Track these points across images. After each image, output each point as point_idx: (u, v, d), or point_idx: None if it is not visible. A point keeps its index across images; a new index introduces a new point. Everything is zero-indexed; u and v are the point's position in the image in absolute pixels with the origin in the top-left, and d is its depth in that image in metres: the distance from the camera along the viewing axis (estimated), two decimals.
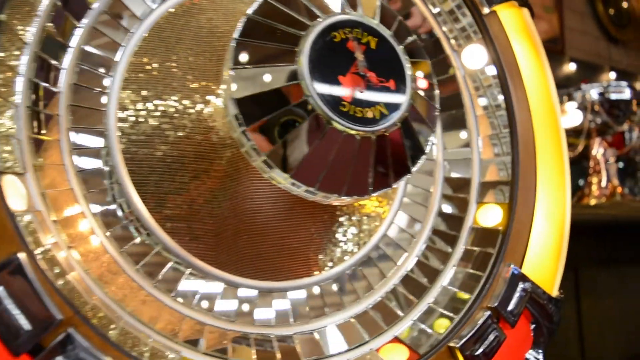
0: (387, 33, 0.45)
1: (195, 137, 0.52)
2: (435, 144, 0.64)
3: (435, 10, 0.65)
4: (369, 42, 0.44)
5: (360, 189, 0.44)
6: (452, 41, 0.65)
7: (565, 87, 4.82)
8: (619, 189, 2.11)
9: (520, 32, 0.67)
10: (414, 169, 0.46)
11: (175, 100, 0.53)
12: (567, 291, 1.74)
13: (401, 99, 0.44)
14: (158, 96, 0.52)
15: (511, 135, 0.62)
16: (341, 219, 0.59)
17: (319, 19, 0.43)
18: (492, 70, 0.63)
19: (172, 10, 0.55)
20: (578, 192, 2.28)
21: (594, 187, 2.16)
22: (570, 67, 4.86)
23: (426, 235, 0.62)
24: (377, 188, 0.45)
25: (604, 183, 2.14)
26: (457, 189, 0.64)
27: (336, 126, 0.41)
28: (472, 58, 0.65)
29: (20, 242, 0.37)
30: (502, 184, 0.62)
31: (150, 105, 0.52)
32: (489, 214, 0.62)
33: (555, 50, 4.83)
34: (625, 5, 5.62)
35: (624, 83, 2.19)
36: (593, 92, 2.19)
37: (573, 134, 2.32)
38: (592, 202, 2.15)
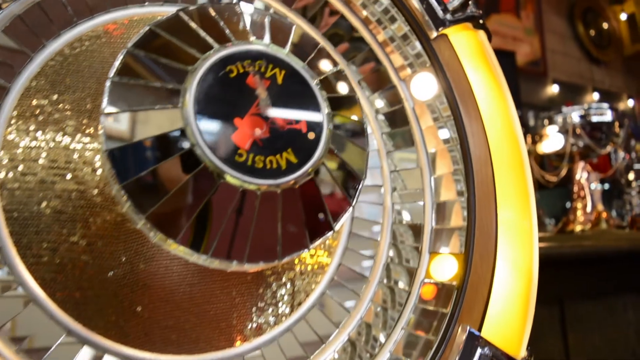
0: (298, 65, 0.37)
1: (89, 191, 0.44)
2: (381, 185, 0.56)
3: (380, 37, 0.58)
4: (275, 76, 0.36)
5: (266, 253, 0.36)
6: (401, 69, 0.58)
7: (549, 109, 4.81)
8: (604, 214, 2.04)
9: (476, 57, 0.60)
10: (336, 226, 0.38)
11: (65, 148, 0.45)
12: (553, 324, 1.66)
13: (315, 142, 0.37)
14: (47, 142, 0.45)
15: (466, 174, 0.54)
16: (270, 278, 0.51)
17: (212, 50, 0.35)
18: (443, 101, 0.56)
19: (69, 46, 0.48)
20: (563, 217, 2.21)
21: (579, 213, 2.10)
22: (553, 89, 4.86)
23: (372, 291, 0.54)
24: (289, 251, 0.37)
25: (589, 208, 2.07)
26: (408, 236, 0.56)
27: (230, 181, 0.34)
28: (422, 88, 0.57)
29: None
30: (458, 230, 0.54)
31: (36, 153, 0.44)
32: (443, 266, 0.54)
33: (537, 73, 4.84)
34: (605, 26, 5.66)
35: (605, 105, 2.14)
36: (574, 115, 2.14)
37: (556, 157, 2.26)
38: (578, 227, 2.08)
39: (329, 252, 0.55)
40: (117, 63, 0.35)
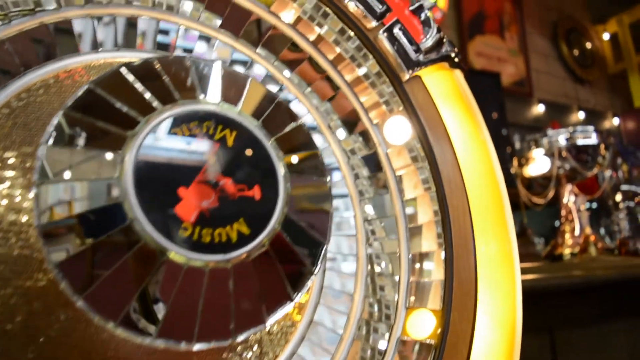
0: (252, 124, 0.34)
1: (35, 256, 0.41)
2: (354, 235, 0.53)
3: (350, 77, 0.55)
4: (225, 138, 0.33)
5: (218, 333, 0.32)
6: (373, 113, 0.55)
7: (535, 128, 4.84)
8: (592, 237, 2.02)
9: (452, 98, 0.57)
10: (296, 297, 0.35)
11: (9, 209, 0.41)
12: (543, 354, 1.62)
13: (271, 210, 0.34)
14: None
15: (443, 224, 0.51)
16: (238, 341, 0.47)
17: (155, 112, 0.32)
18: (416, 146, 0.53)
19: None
20: (552, 240, 2.19)
21: (567, 236, 2.08)
22: (539, 109, 4.88)
23: (346, 349, 0.51)
24: (244, 329, 0.33)
25: (577, 232, 2.05)
26: (386, 289, 0.53)
27: (174, 258, 0.30)
28: (395, 132, 0.55)
29: None
30: (437, 283, 0.51)
31: None
32: (421, 322, 0.51)
33: (523, 93, 4.87)
34: (589, 45, 5.73)
35: (590, 128, 2.14)
36: (560, 138, 2.13)
37: (543, 180, 2.25)
38: (567, 251, 2.06)
39: (300, 308, 0.51)
40: (50, 128, 0.31)
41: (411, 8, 0.59)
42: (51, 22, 0.46)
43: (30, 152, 0.44)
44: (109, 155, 0.30)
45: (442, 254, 0.51)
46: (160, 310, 0.31)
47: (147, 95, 0.32)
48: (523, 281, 0.54)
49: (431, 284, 0.51)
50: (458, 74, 0.60)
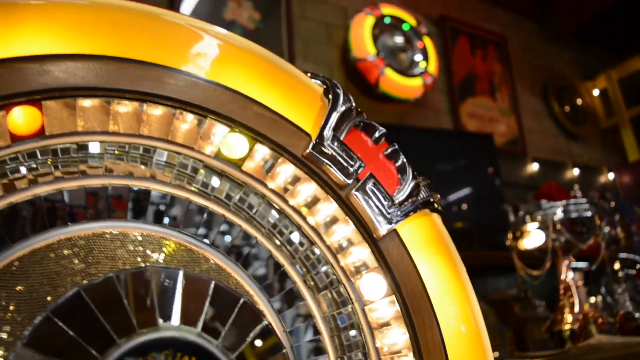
0: (211, 345, 0.34)
1: None
2: None
3: (327, 239, 0.55)
4: None
5: None
6: (349, 269, 0.55)
7: (531, 187, 4.85)
8: (591, 314, 1.98)
9: (429, 246, 0.57)
10: None
11: None
12: None
13: None
14: None
15: None
16: None
17: (114, 346, 0.32)
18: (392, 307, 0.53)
19: None
20: (550, 316, 2.15)
21: (567, 311, 2.04)
22: (534, 167, 4.91)
23: None
24: None
25: (576, 308, 2.02)
26: None
27: None
28: (370, 288, 0.54)
29: None
30: None
31: None
32: None
33: (516, 152, 4.91)
34: (579, 101, 5.82)
35: (582, 200, 2.14)
36: (554, 212, 2.13)
37: (539, 252, 2.23)
38: (566, 327, 2.02)
39: None
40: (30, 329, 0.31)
41: (386, 152, 0.59)
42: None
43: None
44: None
45: None
46: None
47: (108, 327, 0.32)
48: None
49: None
50: (435, 217, 0.60)
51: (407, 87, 4.08)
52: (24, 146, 0.45)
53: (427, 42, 4.26)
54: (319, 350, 0.52)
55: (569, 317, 2.01)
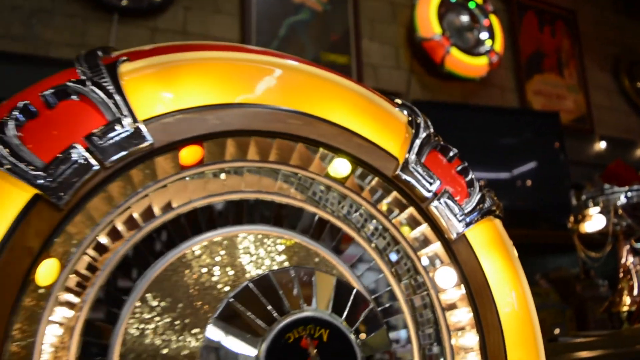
0: (338, 321, 0.50)
1: None
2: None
3: (408, 236, 0.70)
4: (322, 336, 0.49)
5: None
6: (427, 262, 0.70)
7: (598, 165, 4.76)
8: None
9: (492, 248, 0.71)
10: None
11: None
12: None
13: None
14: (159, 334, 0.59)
15: (482, 356, 0.65)
16: None
17: (275, 322, 0.49)
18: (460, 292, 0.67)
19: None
20: (609, 297, 2.22)
21: (625, 294, 2.11)
22: (601, 145, 4.82)
23: None
24: None
25: (635, 291, 2.08)
26: None
27: None
28: (443, 278, 0.69)
29: None
30: None
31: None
32: None
33: (584, 129, 4.83)
34: None
35: None
36: (618, 197, 2.18)
37: (600, 236, 2.29)
38: (624, 308, 2.09)
39: None
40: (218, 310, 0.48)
41: (458, 169, 0.73)
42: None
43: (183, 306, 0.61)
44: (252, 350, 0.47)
45: None
46: None
47: (270, 307, 0.49)
48: None
49: None
50: (497, 222, 0.74)
51: (472, 66, 4.09)
52: (188, 172, 0.62)
53: (494, 20, 4.22)
54: (403, 324, 0.68)
55: (627, 299, 2.08)
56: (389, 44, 4.11)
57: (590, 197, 2.26)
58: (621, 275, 2.15)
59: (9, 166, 0.49)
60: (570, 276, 4.02)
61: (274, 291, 0.50)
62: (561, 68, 4.91)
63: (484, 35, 4.13)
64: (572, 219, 2.32)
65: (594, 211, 2.20)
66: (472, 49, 4.07)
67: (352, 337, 0.50)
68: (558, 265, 4.30)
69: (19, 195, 0.50)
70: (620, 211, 2.15)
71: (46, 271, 0.53)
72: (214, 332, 0.48)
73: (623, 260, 2.14)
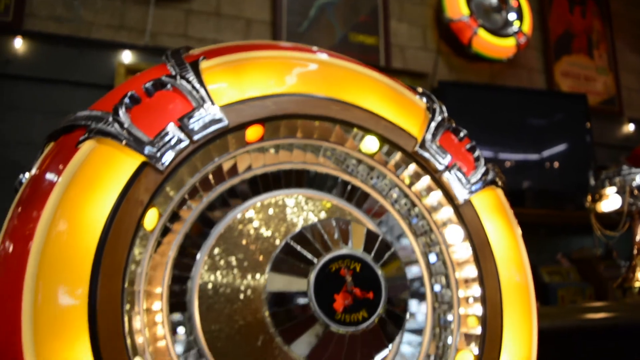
0: (368, 258, 0.68)
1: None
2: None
3: (425, 200, 0.87)
4: (356, 268, 0.67)
5: None
6: (438, 222, 0.86)
7: (626, 148, 4.76)
8: None
9: (494, 212, 0.87)
10: (390, 346, 0.68)
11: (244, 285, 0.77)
12: None
13: (377, 304, 0.67)
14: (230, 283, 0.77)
15: (482, 300, 0.82)
16: None
17: (321, 257, 0.66)
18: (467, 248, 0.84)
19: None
20: (623, 274, 2.35)
21: (638, 270, 2.23)
22: (630, 128, 4.85)
23: None
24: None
25: None
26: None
27: (332, 329, 0.64)
28: (452, 235, 0.86)
29: None
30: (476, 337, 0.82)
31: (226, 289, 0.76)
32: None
33: (612, 111, 4.86)
34: None
35: None
36: (634, 177, 2.29)
37: (616, 215, 2.41)
38: (636, 284, 2.22)
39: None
40: (278, 250, 0.66)
41: (467, 147, 0.89)
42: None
43: (253, 251, 0.79)
44: (302, 282, 0.65)
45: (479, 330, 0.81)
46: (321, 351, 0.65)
47: (317, 246, 0.66)
48: None
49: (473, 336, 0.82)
50: (499, 192, 0.90)
51: (500, 47, 4.14)
52: (251, 147, 0.80)
53: (522, 0, 4.26)
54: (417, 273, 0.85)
55: (639, 275, 2.21)
56: (417, 25, 4.20)
57: (607, 178, 2.38)
58: (635, 252, 2.27)
59: (125, 140, 0.67)
60: (592, 256, 4.12)
61: (320, 235, 0.67)
62: (591, 49, 4.92)
63: (512, 16, 4.18)
64: (589, 198, 2.44)
65: (610, 191, 2.32)
66: (499, 30, 4.13)
67: (378, 269, 0.68)
68: (581, 246, 4.39)
69: (133, 161, 0.68)
70: (635, 191, 2.26)
71: (150, 218, 0.71)
72: (277, 264, 0.66)
73: (637, 238, 2.26)
